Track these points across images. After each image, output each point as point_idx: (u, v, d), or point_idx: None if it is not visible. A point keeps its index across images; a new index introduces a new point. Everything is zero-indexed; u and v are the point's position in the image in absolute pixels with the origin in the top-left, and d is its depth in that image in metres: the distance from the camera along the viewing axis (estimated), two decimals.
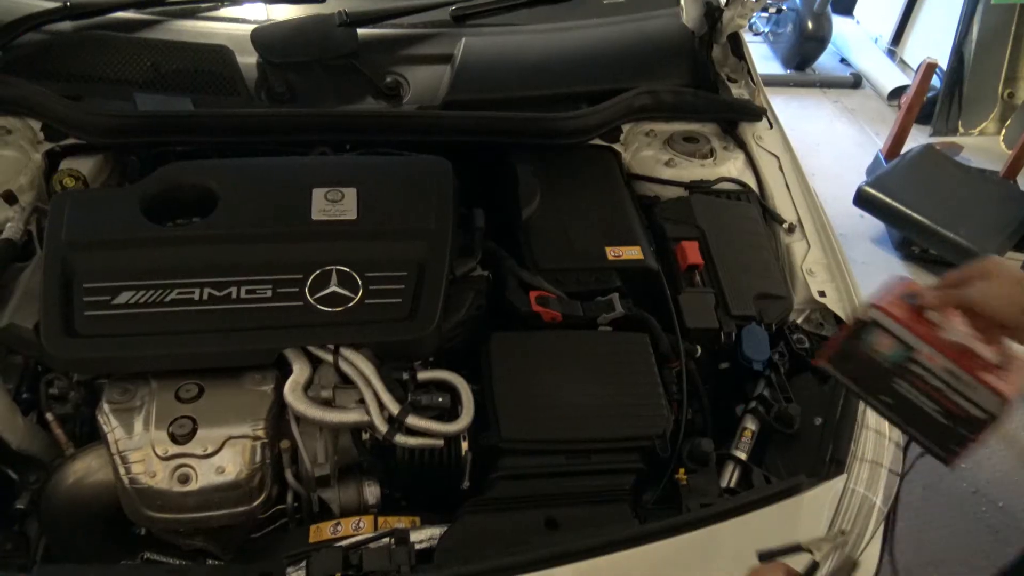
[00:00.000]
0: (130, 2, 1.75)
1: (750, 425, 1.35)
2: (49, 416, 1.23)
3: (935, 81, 4.24)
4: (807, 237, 1.63)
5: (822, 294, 1.50)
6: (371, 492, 1.25)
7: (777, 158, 1.80)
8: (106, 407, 1.16)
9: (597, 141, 1.77)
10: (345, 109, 1.75)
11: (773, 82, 4.92)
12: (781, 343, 1.45)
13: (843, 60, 5.47)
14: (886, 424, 1.26)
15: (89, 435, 1.26)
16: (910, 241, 3.58)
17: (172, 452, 1.13)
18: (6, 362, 1.29)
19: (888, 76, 5.07)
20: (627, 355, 1.34)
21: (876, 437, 1.27)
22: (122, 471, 1.12)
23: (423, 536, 1.14)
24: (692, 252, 1.51)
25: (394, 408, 1.19)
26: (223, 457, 1.14)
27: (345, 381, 1.23)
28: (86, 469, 1.19)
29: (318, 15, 1.81)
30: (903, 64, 5.15)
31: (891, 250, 3.73)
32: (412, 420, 1.19)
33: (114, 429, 1.14)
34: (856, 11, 5.69)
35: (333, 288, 1.25)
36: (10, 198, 1.39)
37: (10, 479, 1.26)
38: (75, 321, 1.19)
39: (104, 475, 1.17)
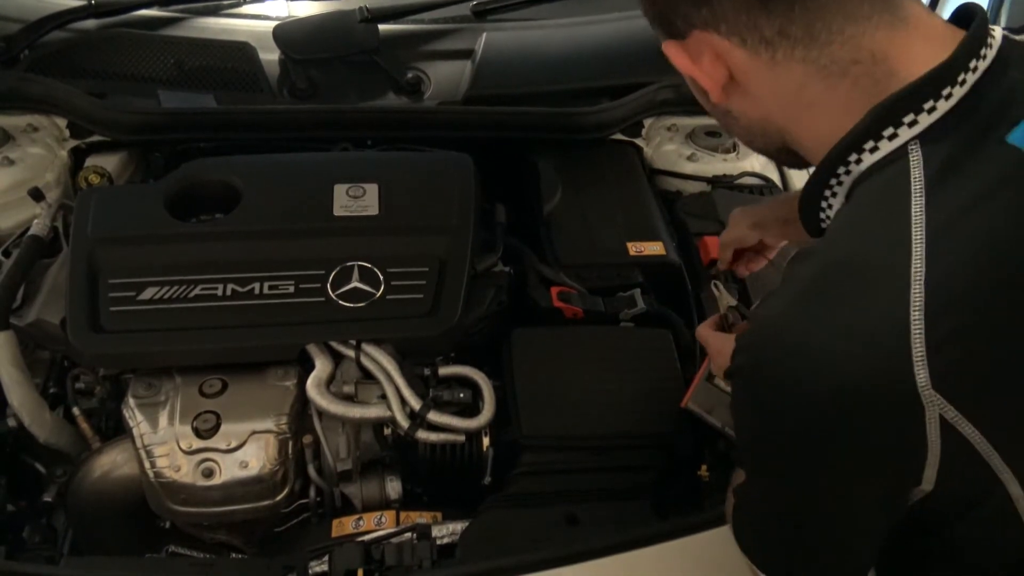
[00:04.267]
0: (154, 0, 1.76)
1: None
2: (75, 411, 1.25)
3: None
4: None
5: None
6: (393, 487, 1.25)
7: None
8: (131, 402, 1.18)
9: (619, 136, 1.76)
10: (366, 105, 1.75)
11: None
12: None
13: None
14: None
15: (115, 429, 1.27)
16: None
17: (196, 446, 1.14)
18: (33, 357, 1.31)
19: None
20: (649, 351, 1.33)
21: None
22: (147, 465, 1.13)
23: (445, 531, 1.14)
24: (715, 247, 1.49)
25: (415, 404, 1.19)
26: (247, 452, 1.15)
27: (367, 377, 1.24)
28: (112, 463, 1.20)
29: (339, 11, 1.82)
30: None
31: None
32: (433, 416, 1.19)
33: (139, 424, 1.15)
34: None
35: (355, 284, 1.25)
36: (37, 195, 1.40)
37: (38, 473, 1.28)
38: (101, 317, 1.20)
39: (129, 469, 1.18)
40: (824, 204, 0.76)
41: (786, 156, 0.81)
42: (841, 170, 0.71)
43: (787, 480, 0.72)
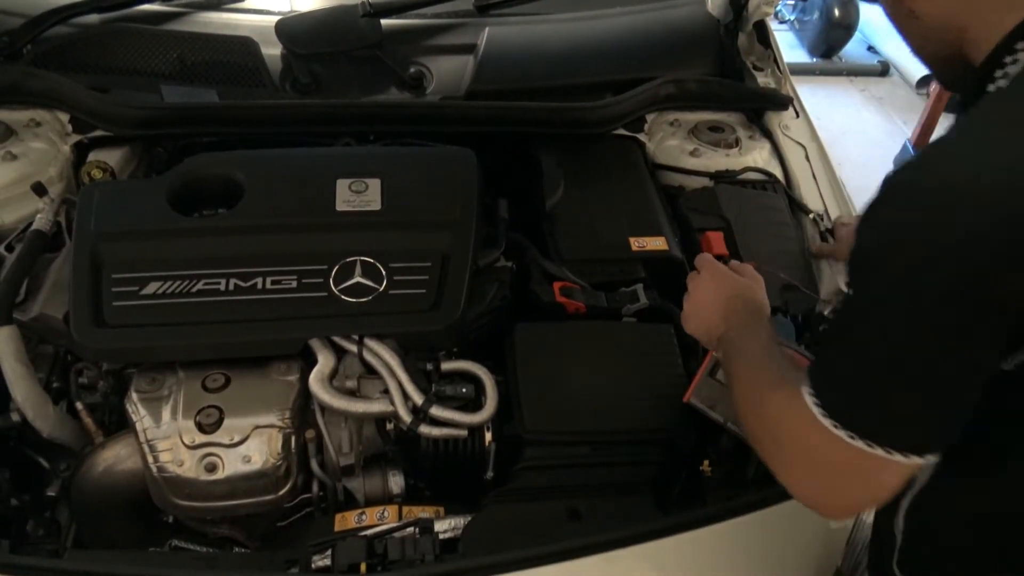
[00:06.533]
0: None
1: None
2: (79, 405, 1.25)
3: None
4: None
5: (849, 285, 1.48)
6: (395, 482, 1.26)
7: (804, 148, 1.77)
8: (134, 396, 1.18)
9: (621, 131, 1.76)
10: (369, 100, 1.75)
11: (799, 71, 4.84)
12: (808, 334, 1.43)
13: (871, 48, 5.38)
14: None
15: (118, 424, 1.27)
16: None
17: (199, 441, 1.14)
18: (37, 351, 1.31)
19: (917, 64, 4.96)
20: (652, 346, 1.33)
21: None
22: (150, 459, 1.14)
23: (447, 526, 1.14)
24: (717, 243, 1.49)
25: (418, 398, 1.19)
26: (250, 446, 1.15)
27: (369, 371, 1.24)
28: (115, 457, 1.20)
29: (342, 6, 1.82)
30: None
31: None
32: (436, 411, 1.19)
33: (142, 418, 1.16)
34: None
35: (357, 279, 1.25)
36: (40, 190, 1.41)
37: (41, 467, 1.28)
38: (104, 311, 1.20)
39: (133, 463, 1.19)
40: (991, 87, 0.79)
41: (949, 66, 0.86)
42: (1008, 59, 0.77)
43: (898, 301, 0.71)
